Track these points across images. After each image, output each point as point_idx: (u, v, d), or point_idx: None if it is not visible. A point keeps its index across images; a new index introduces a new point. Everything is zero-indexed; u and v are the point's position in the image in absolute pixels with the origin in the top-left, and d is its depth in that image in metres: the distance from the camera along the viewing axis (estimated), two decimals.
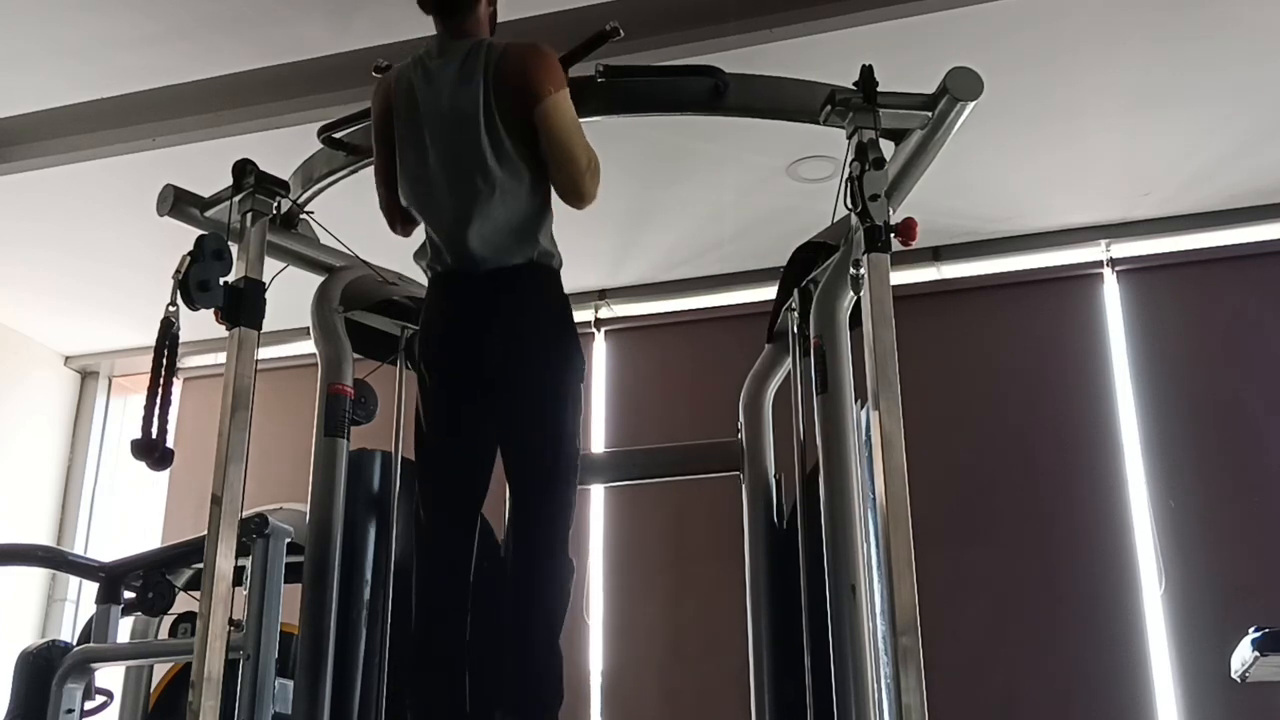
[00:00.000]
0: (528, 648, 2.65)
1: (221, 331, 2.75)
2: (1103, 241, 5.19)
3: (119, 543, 6.01)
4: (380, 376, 3.28)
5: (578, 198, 2.76)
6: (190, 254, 2.67)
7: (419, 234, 2.91)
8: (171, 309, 2.72)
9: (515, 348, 2.72)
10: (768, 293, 3.42)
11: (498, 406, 2.74)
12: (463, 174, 2.72)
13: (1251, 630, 2.96)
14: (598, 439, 5.59)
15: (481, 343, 2.73)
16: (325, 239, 3.33)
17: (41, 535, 6.11)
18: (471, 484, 2.79)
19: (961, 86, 2.63)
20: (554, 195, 2.79)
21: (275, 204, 2.96)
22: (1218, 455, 4.85)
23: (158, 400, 2.70)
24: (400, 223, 2.95)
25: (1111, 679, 4.68)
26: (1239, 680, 3.08)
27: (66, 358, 6.53)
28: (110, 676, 4.03)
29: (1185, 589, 4.70)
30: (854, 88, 2.61)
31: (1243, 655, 2.99)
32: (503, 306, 2.73)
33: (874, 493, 2.50)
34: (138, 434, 2.69)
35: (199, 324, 2.79)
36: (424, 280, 2.94)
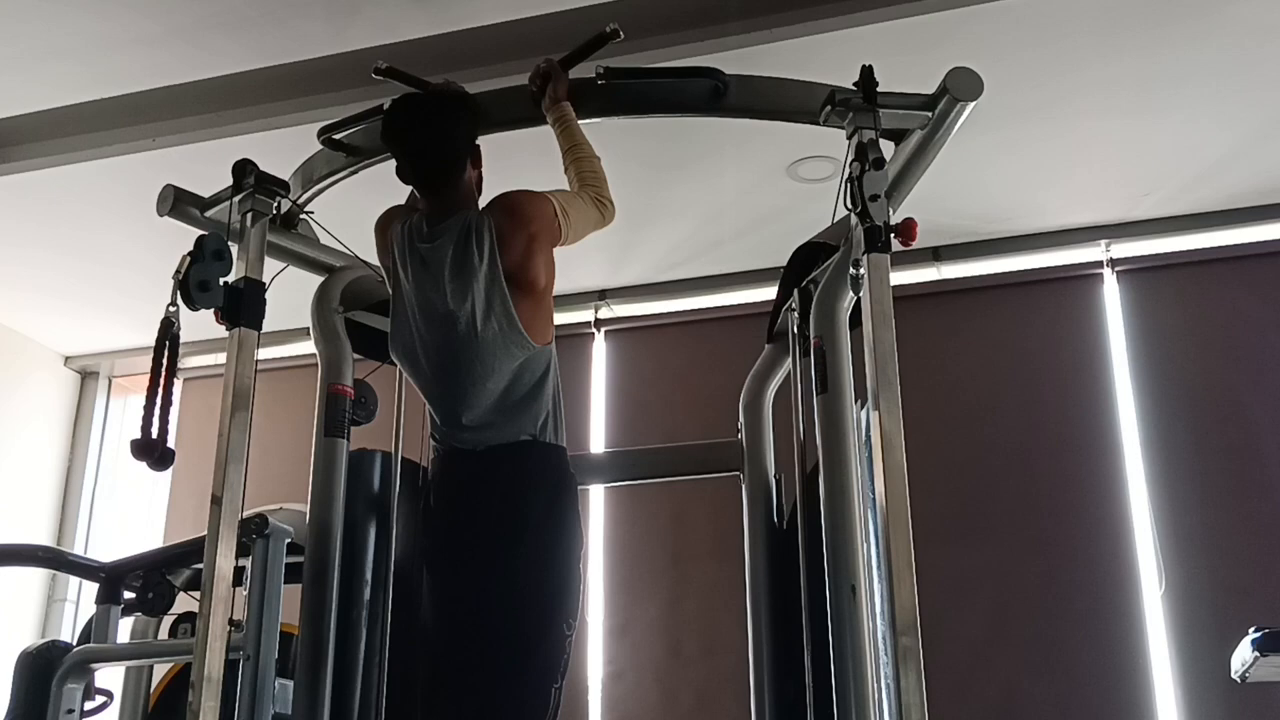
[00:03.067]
0: None
1: (222, 332, 2.76)
2: (1103, 241, 5.20)
3: (119, 543, 6.01)
4: (380, 377, 3.28)
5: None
6: (190, 254, 2.67)
7: None
8: (172, 309, 2.72)
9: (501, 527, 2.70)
10: (768, 293, 3.42)
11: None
12: (457, 365, 2.71)
13: (1251, 630, 2.96)
14: (598, 439, 5.60)
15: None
16: (325, 239, 3.33)
17: (42, 535, 6.11)
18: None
19: (961, 87, 2.63)
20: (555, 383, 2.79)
21: (275, 204, 2.97)
22: (1218, 455, 4.85)
23: (158, 400, 2.70)
24: None
25: (1112, 679, 4.69)
26: (1239, 680, 3.08)
27: (66, 358, 6.53)
28: (110, 677, 4.03)
29: (1185, 589, 4.70)
30: (854, 88, 2.61)
31: (1243, 655, 2.99)
32: (497, 483, 2.72)
33: (874, 493, 2.50)
34: (138, 434, 2.69)
35: (199, 324, 2.79)
36: None
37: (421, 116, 2.81)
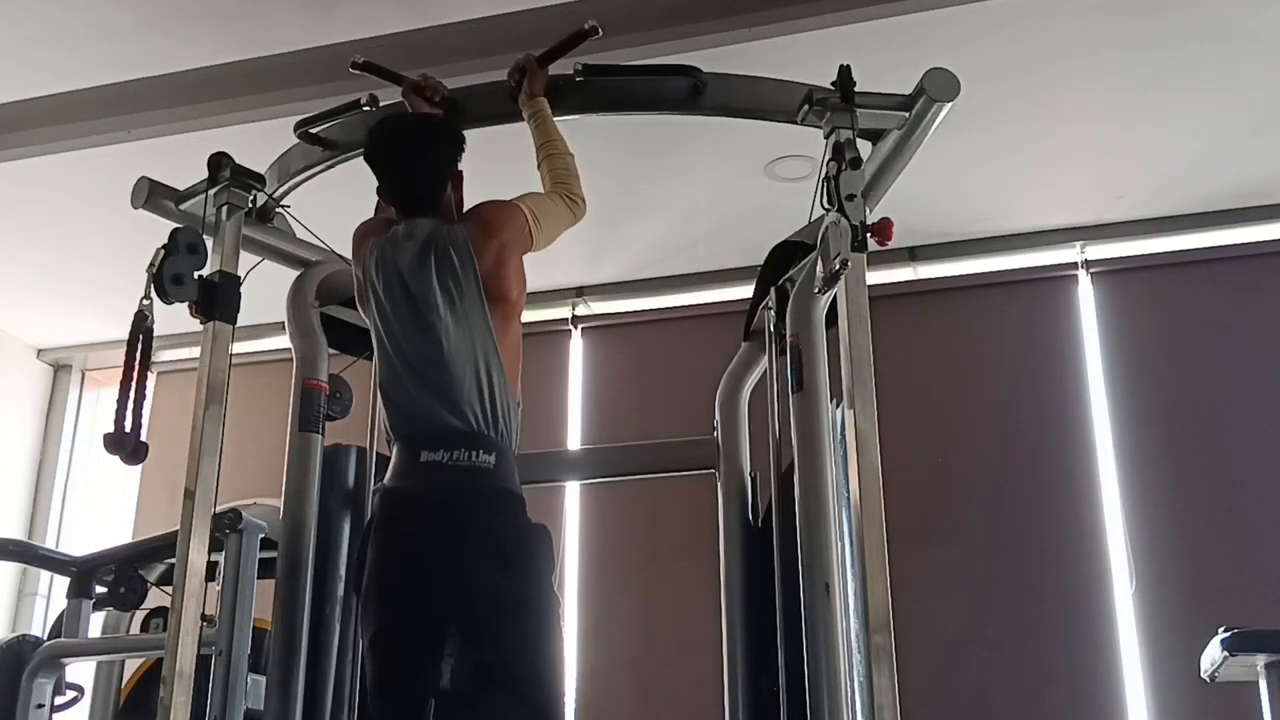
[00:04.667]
0: None
1: (196, 325, 2.74)
2: (1077, 243, 5.23)
3: (91, 537, 5.98)
4: (356, 372, 3.27)
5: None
6: (164, 247, 2.65)
7: None
8: (145, 302, 2.70)
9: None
10: (744, 291, 3.42)
11: None
12: (428, 362, 2.65)
13: (1221, 630, 2.98)
14: (574, 436, 5.60)
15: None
16: (301, 233, 3.32)
17: (12, 529, 6.06)
18: None
19: (938, 87, 2.64)
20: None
21: (251, 198, 2.96)
22: (1189, 456, 4.89)
23: (131, 394, 2.68)
24: None
25: (1082, 678, 4.71)
26: (1208, 680, 3.10)
27: (39, 351, 6.49)
28: (81, 671, 4.01)
29: (1156, 589, 4.73)
30: (831, 88, 2.61)
31: (1212, 655, 3.01)
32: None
33: (848, 491, 2.51)
34: (111, 428, 2.67)
35: (173, 318, 2.77)
36: None
37: (407, 143, 2.81)
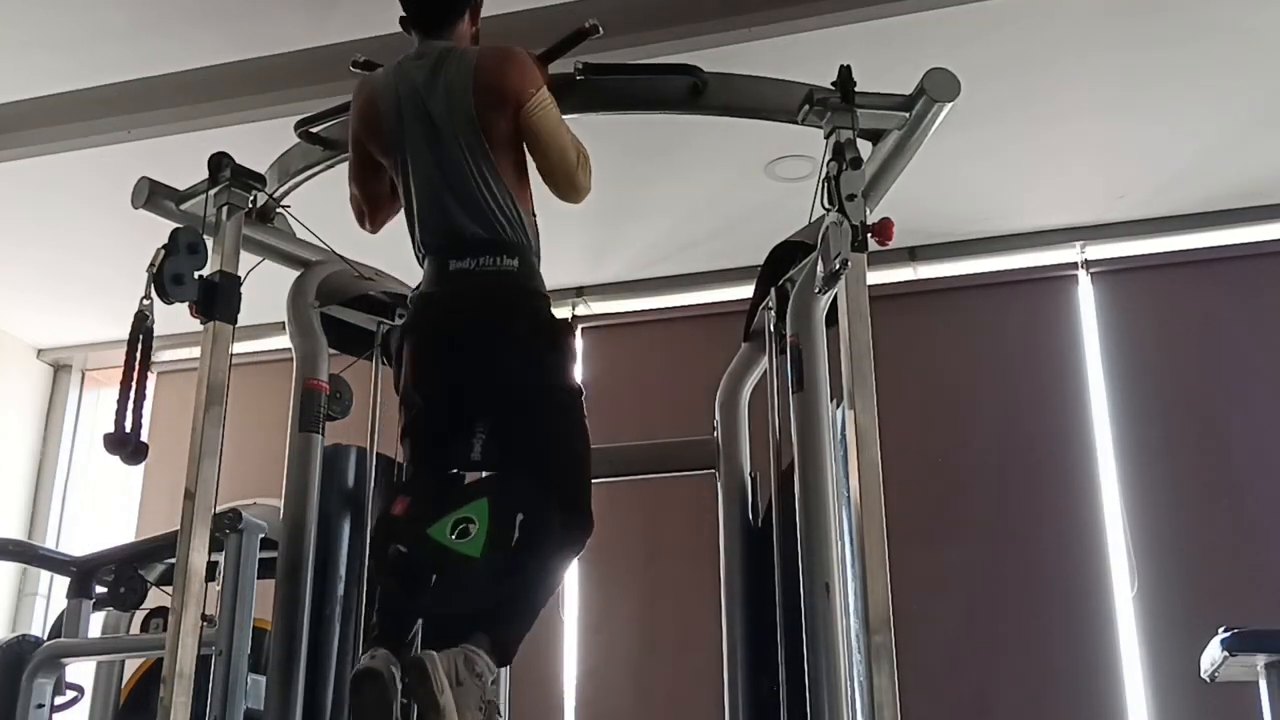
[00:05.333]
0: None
1: (196, 325, 2.74)
2: (1078, 243, 5.23)
3: (91, 537, 5.98)
4: (356, 372, 3.27)
5: (574, 190, 2.82)
6: (164, 247, 2.65)
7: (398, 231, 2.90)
8: (146, 302, 2.70)
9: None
10: (745, 291, 3.42)
11: None
12: (447, 178, 2.72)
13: (1221, 630, 2.98)
14: None
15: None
16: (301, 233, 3.31)
17: (13, 529, 6.06)
18: None
19: (939, 87, 2.63)
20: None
21: (251, 198, 2.95)
22: (1189, 456, 4.89)
23: (131, 394, 2.68)
24: (370, 220, 2.97)
25: (1083, 678, 4.71)
26: (1208, 680, 3.11)
27: (39, 351, 6.49)
28: (81, 671, 4.01)
29: (1156, 589, 4.73)
30: (832, 88, 2.61)
31: (1212, 655, 3.01)
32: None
33: (848, 491, 2.51)
34: (111, 428, 2.67)
35: (174, 318, 2.77)
36: (400, 275, 2.93)
37: None
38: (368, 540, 3.10)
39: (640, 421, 5.34)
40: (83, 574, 3.91)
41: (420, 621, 2.67)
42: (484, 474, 2.73)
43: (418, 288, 2.83)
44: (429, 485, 2.67)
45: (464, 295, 2.70)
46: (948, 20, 3.86)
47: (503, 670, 3.12)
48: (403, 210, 2.85)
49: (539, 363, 2.71)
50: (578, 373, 2.85)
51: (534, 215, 2.79)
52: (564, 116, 2.87)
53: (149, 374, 2.76)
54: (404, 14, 2.88)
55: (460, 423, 2.66)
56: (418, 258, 2.82)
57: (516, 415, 2.67)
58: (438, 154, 2.72)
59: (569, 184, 2.80)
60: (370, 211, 2.96)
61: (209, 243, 2.76)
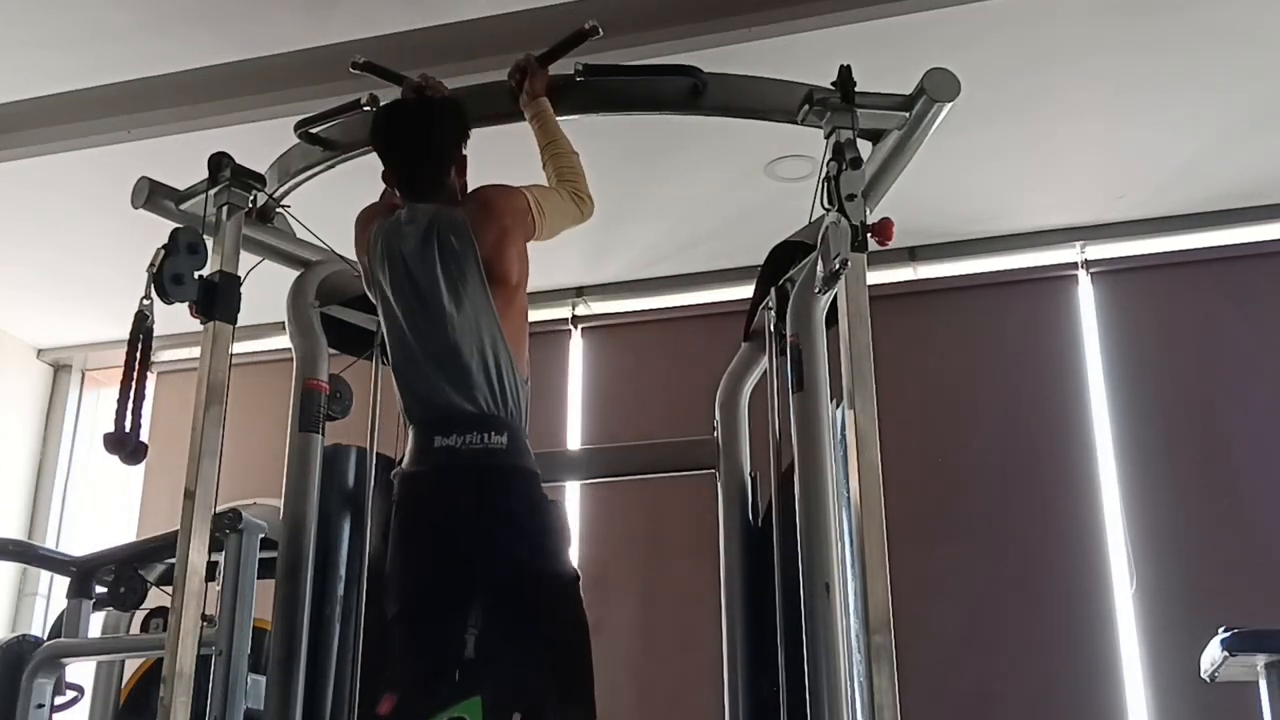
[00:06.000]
0: None
1: (196, 325, 2.74)
2: (1077, 243, 5.22)
3: (91, 537, 5.98)
4: (356, 372, 3.27)
5: (581, 223, 2.91)
6: (164, 247, 2.66)
7: None
8: (146, 302, 2.70)
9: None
10: (745, 291, 3.42)
11: None
12: (438, 352, 2.67)
13: (1221, 630, 2.98)
14: (574, 436, 5.60)
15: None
16: (301, 233, 3.32)
17: (13, 529, 6.06)
18: None
19: (939, 87, 2.63)
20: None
21: (251, 198, 2.95)
22: (1189, 456, 4.89)
23: (131, 394, 2.68)
24: None
25: (1082, 677, 4.71)
26: (1208, 680, 3.11)
27: (39, 351, 6.48)
28: (81, 671, 4.01)
29: (1156, 589, 4.73)
30: (832, 88, 2.61)
31: (1212, 655, 3.01)
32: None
33: (848, 491, 2.51)
34: (111, 428, 2.67)
35: (173, 318, 2.77)
36: None
37: (414, 122, 2.82)
38: (366, 541, 3.11)
39: (640, 422, 5.35)
40: (83, 574, 3.91)
41: None
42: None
43: (400, 461, 2.76)
44: (417, 680, 2.55)
45: (451, 476, 2.63)
46: (948, 20, 3.85)
47: None
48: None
49: (533, 547, 2.63)
50: (573, 556, 2.79)
51: (528, 381, 2.73)
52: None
53: (149, 374, 2.76)
54: (386, 172, 2.83)
55: (451, 613, 2.56)
56: (403, 421, 2.76)
57: (512, 603, 2.58)
58: (425, 326, 2.67)
59: (578, 223, 2.88)
60: None
61: (209, 243, 2.77)
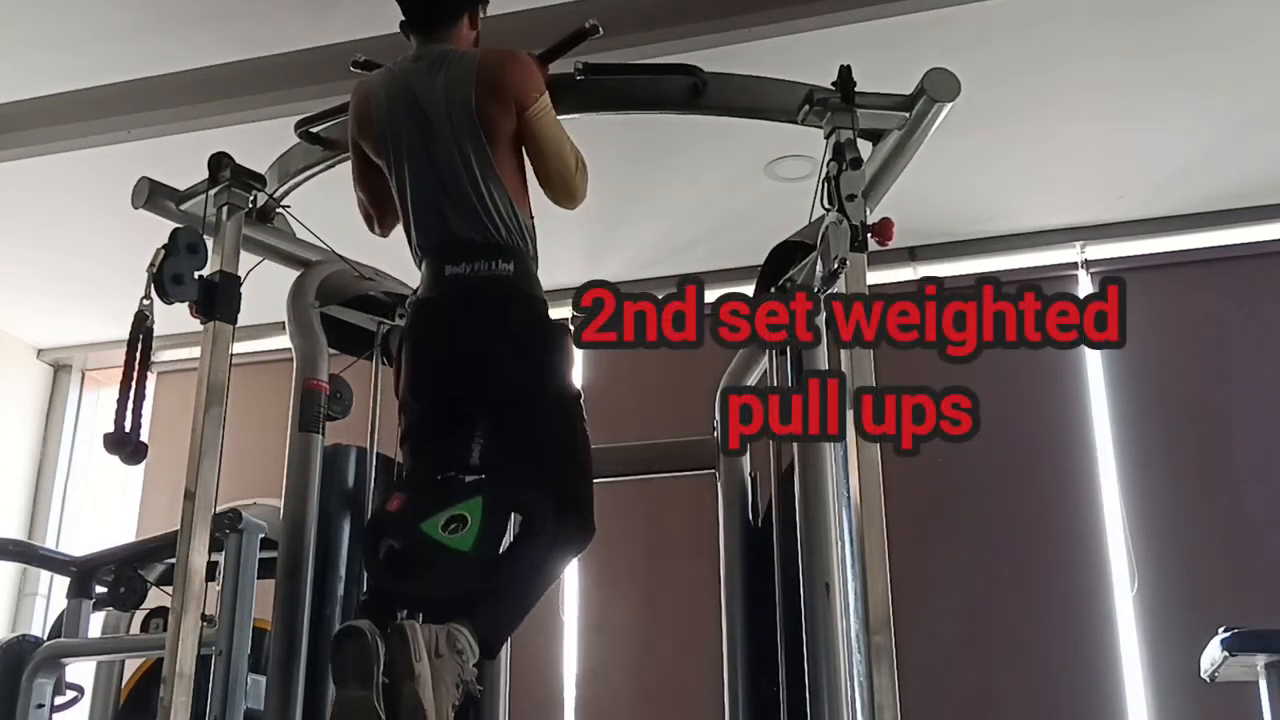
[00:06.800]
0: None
1: (196, 325, 2.74)
2: (1078, 243, 5.23)
3: (91, 537, 5.98)
4: (356, 372, 3.27)
5: (570, 197, 2.83)
6: (164, 247, 2.66)
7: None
8: (146, 302, 2.70)
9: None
10: (745, 291, 3.42)
11: None
12: (443, 180, 2.71)
13: (1221, 630, 2.98)
14: None
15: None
16: (301, 233, 3.31)
17: (13, 529, 6.06)
18: None
19: (939, 87, 2.63)
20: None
21: (251, 198, 2.95)
22: (1189, 456, 4.89)
23: (131, 394, 2.69)
24: (379, 223, 2.97)
25: (1083, 678, 4.71)
26: (1208, 680, 3.10)
27: (39, 351, 6.48)
28: (81, 671, 4.00)
29: (1156, 589, 4.73)
30: (832, 88, 2.61)
31: (1212, 655, 3.01)
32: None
33: (848, 491, 2.51)
34: (111, 428, 2.67)
35: (174, 318, 2.77)
36: (400, 275, 2.93)
37: None
38: (362, 535, 3.10)
39: (640, 421, 5.35)
40: (83, 574, 3.90)
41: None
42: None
43: (415, 292, 2.83)
44: (425, 483, 2.67)
45: (459, 300, 2.71)
46: (948, 21, 3.85)
47: (502, 671, 3.14)
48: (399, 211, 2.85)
49: (537, 364, 2.72)
50: (577, 375, 2.86)
51: (532, 219, 2.78)
52: (564, 117, 2.88)
53: (149, 374, 2.76)
54: (402, 17, 2.87)
55: (458, 426, 2.66)
56: (415, 260, 2.82)
57: (515, 416, 2.68)
58: (433, 154, 2.72)
59: (566, 190, 2.81)
60: (378, 214, 2.95)
61: (209, 243, 2.77)
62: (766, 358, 3.21)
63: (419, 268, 2.80)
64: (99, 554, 3.99)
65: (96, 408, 6.55)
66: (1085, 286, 5.23)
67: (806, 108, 2.66)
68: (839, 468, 2.74)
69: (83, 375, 6.58)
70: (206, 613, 2.80)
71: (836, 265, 2.37)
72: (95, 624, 3.96)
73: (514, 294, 2.71)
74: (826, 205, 2.47)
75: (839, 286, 2.44)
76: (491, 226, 2.69)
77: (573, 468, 2.74)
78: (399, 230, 2.88)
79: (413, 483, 2.71)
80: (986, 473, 5.05)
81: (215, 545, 2.84)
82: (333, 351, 3.21)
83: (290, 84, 4.21)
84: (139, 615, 3.84)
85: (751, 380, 3.34)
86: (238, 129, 4.28)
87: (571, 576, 5.32)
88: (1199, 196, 4.97)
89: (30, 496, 6.30)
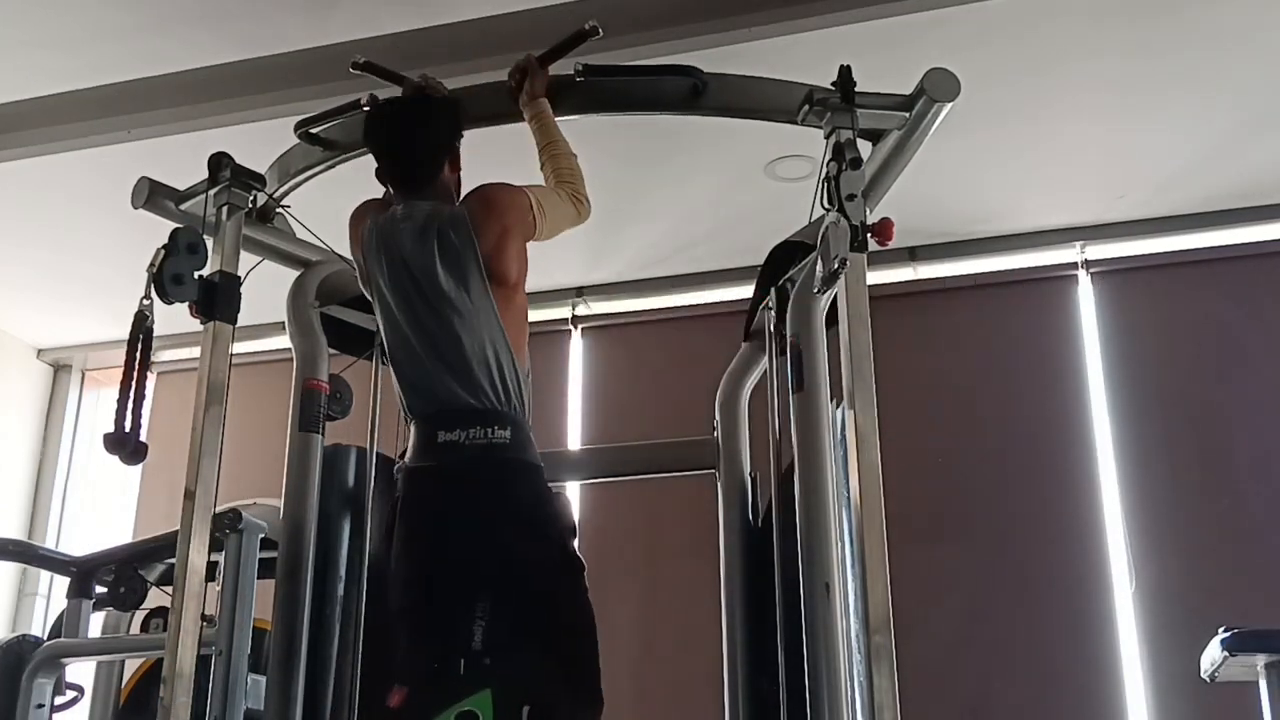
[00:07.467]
0: None
1: (196, 325, 2.74)
2: (1078, 243, 5.23)
3: (91, 537, 5.98)
4: (356, 372, 3.27)
5: (578, 224, 2.90)
6: (164, 247, 2.66)
7: None
8: (146, 302, 2.70)
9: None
10: (744, 291, 3.42)
11: None
12: (437, 346, 2.67)
13: (1221, 630, 2.98)
14: (574, 436, 5.60)
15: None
16: (301, 233, 3.31)
17: (12, 529, 6.06)
18: None
19: (939, 87, 2.63)
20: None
21: (251, 198, 2.95)
22: (1189, 456, 4.89)
23: (131, 394, 2.69)
24: None
25: (1082, 677, 4.71)
26: (1208, 680, 3.11)
27: (39, 351, 6.48)
28: (81, 671, 4.01)
29: (1156, 589, 4.73)
30: (832, 88, 2.61)
31: (1212, 655, 3.01)
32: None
33: (848, 492, 2.51)
34: (111, 428, 2.67)
35: (173, 318, 2.77)
36: None
37: (405, 119, 2.83)
38: (366, 541, 3.10)
39: (640, 422, 5.35)
40: (83, 574, 3.91)
41: None
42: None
43: (403, 456, 2.77)
44: (426, 674, 2.55)
45: (454, 470, 2.64)
46: (948, 21, 3.85)
47: None
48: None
49: (538, 538, 2.65)
50: (575, 545, 2.80)
51: (529, 373, 2.73)
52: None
53: (149, 374, 2.76)
54: (379, 169, 2.82)
55: (458, 605, 2.55)
56: (403, 414, 2.76)
57: (517, 594, 2.58)
58: (425, 322, 2.67)
59: (575, 224, 2.88)
60: None
61: (209, 243, 2.77)
62: (766, 357, 3.21)
63: (406, 423, 2.75)
64: (99, 554, 4.00)
65: (96, 408, 6.56)
66: (1085, 286, 5.24)
67: (806, 108, 2.66)
68: (839, 468, 2.74)
69: (83, 375, 6.58)
70: (206, 613, 2.80)
71: (836, 265, 2.37)
72: (95, 624, 3.96)
73: (513, 466, 2.64)
74: (826, 205, 2.46)
75: (839, 286, 2.44)
76: (489, 388, 2.63)
77: (580, 645, 2.69)
78: None
79: (413, 672, 2.57)
80: (986, 473, 5.05)
81: (215, 545, 2.84)
82: (333, 351, 3.21)
83: (290, 84, 4.21)
84: (139, 615, 3.84)
85: (752, 380, 3.34)
86: (238, 129, 4.28)
87: None
88: (1199, 196, 4.97)
89: (30, 496, 6.31)
